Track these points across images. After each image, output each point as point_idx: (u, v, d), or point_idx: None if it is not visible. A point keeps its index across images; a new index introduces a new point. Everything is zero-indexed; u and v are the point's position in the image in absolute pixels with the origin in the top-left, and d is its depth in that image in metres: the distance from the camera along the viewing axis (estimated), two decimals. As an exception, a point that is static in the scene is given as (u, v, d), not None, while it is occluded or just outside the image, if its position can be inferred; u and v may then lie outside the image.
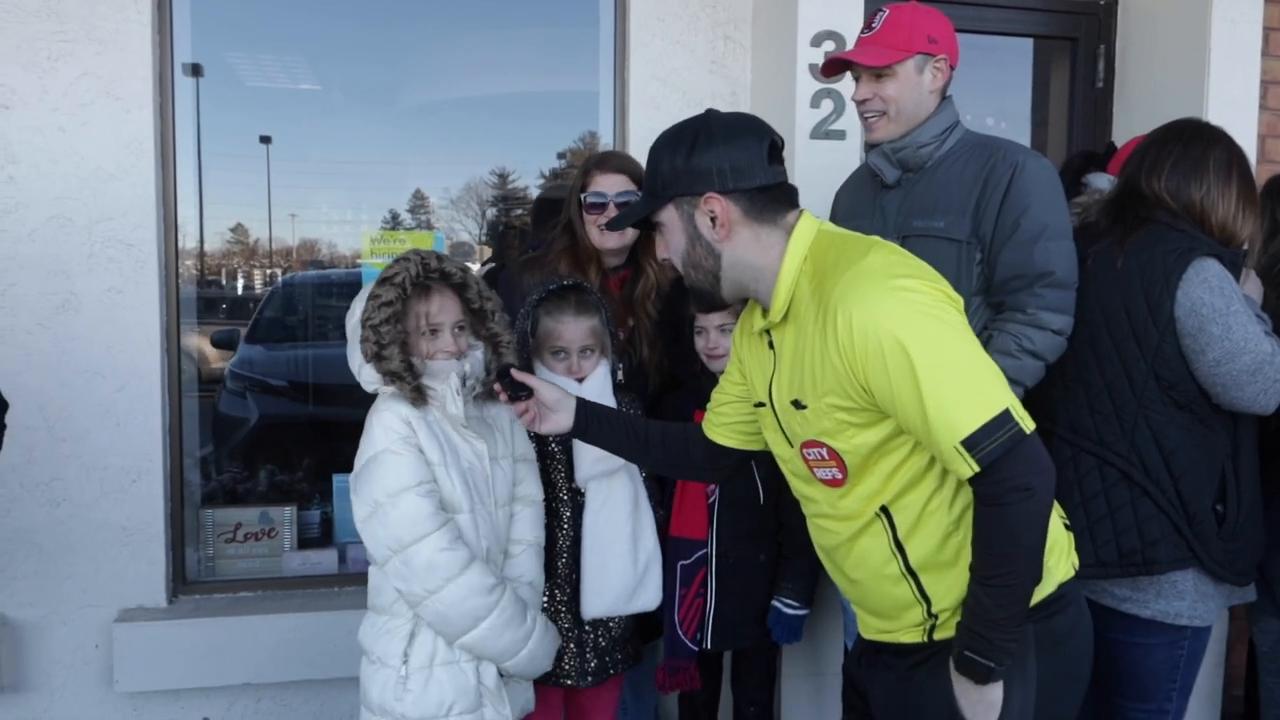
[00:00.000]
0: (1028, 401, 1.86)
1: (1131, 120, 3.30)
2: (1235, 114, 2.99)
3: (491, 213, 3.52)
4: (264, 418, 3.41)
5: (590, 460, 2.16)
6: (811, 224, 1.58)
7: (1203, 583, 2.01)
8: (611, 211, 2.44)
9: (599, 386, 2.24)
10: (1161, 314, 1.92)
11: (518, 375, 1.85)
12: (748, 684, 2.54)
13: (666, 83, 3.09)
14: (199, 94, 3.05)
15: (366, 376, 1.91)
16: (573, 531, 2.20)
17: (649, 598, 2.24)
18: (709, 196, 1.53)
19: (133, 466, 2.82)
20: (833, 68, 2.19)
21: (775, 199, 1.57)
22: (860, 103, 2.14)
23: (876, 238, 1.58)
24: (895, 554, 1.55)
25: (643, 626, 2.38)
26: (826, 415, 1.51)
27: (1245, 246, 2.10)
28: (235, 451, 3.32)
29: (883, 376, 1.41)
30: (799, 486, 1.71)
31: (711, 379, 2.42)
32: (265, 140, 3.26)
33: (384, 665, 1.90)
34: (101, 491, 2.81)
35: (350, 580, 3.07)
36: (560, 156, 3.43)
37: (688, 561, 2.37)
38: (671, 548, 2.34)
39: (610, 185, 2.46)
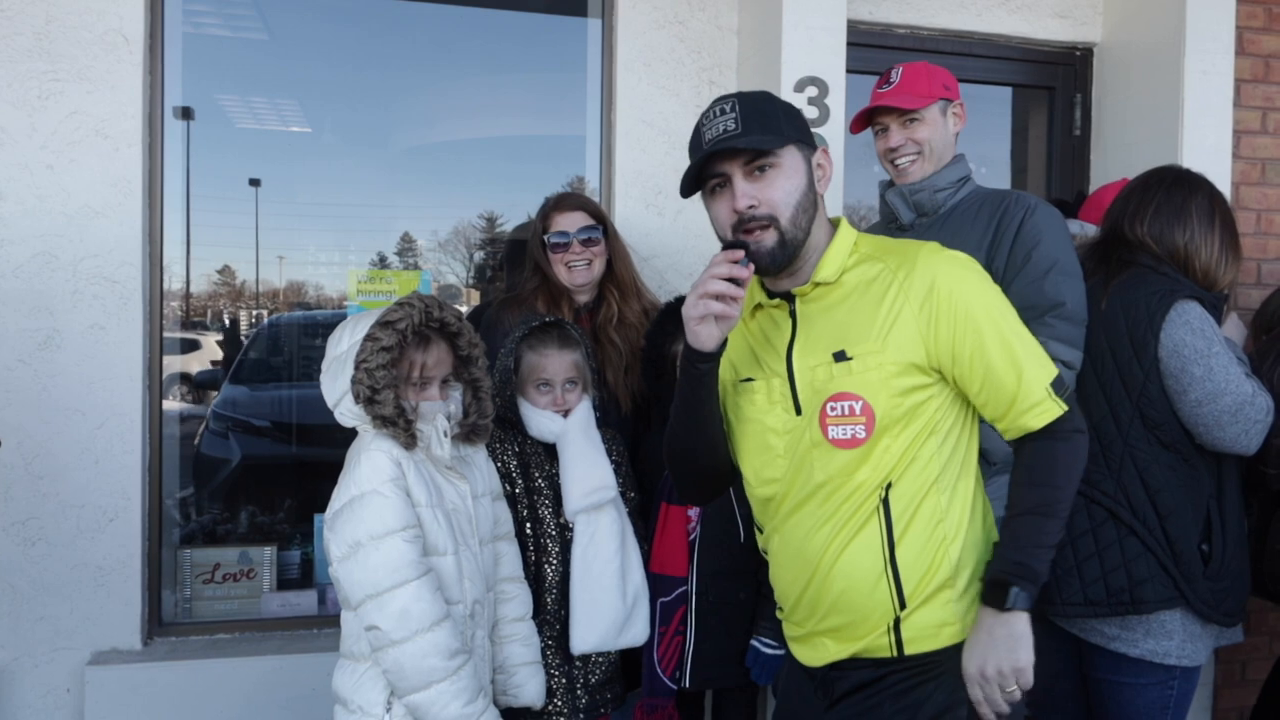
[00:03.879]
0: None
1: (1108, 167, 3.37)
2: (1209, 162, 3.05)
3: (479, 256, 3.53)
4: (246, 458, 3.37)
5: (580, 494, 2.16)
6: (852, 227, 1.70)
7: (1190, 623, 2.01)
8: (575, 248, 2.52)
9: (583, 421, 2.26)
10: (1146, 355, 1.95)
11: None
12: (730, 722, 2.51)
13: (652, 126, 3.13)
14: (189, 136, 3.07)
15: (346, 410, 1.87)
16: (561, 567, 2.18)
17: (638, 632, 2.23)
18: (823, 150, 1.64)
19: (110, 505, 2.78)
20: (861, 122, 2.31)
21: None
22: (893, 150, 2.25)
23: None
24: (885, 554, 1.55)
25: (624, 674, 2.36)
26: (877, 369, 1.55)
27: (1227, 291, 2.13)
28: (216, 492, 3.28)
29: (975, 335, 1.55)
30: (787, 467, 1.62)
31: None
32: (254, 183, 3.27)
33: (365, 715, 1.84)
34: (78, 530, 2.77)
35: (330, 622, 3.02)
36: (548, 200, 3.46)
37: (668, 599, 2.35)
38: (651, 584, 2.33)
39: (570, 223, 2.54)
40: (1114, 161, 3.35)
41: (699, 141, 1.58)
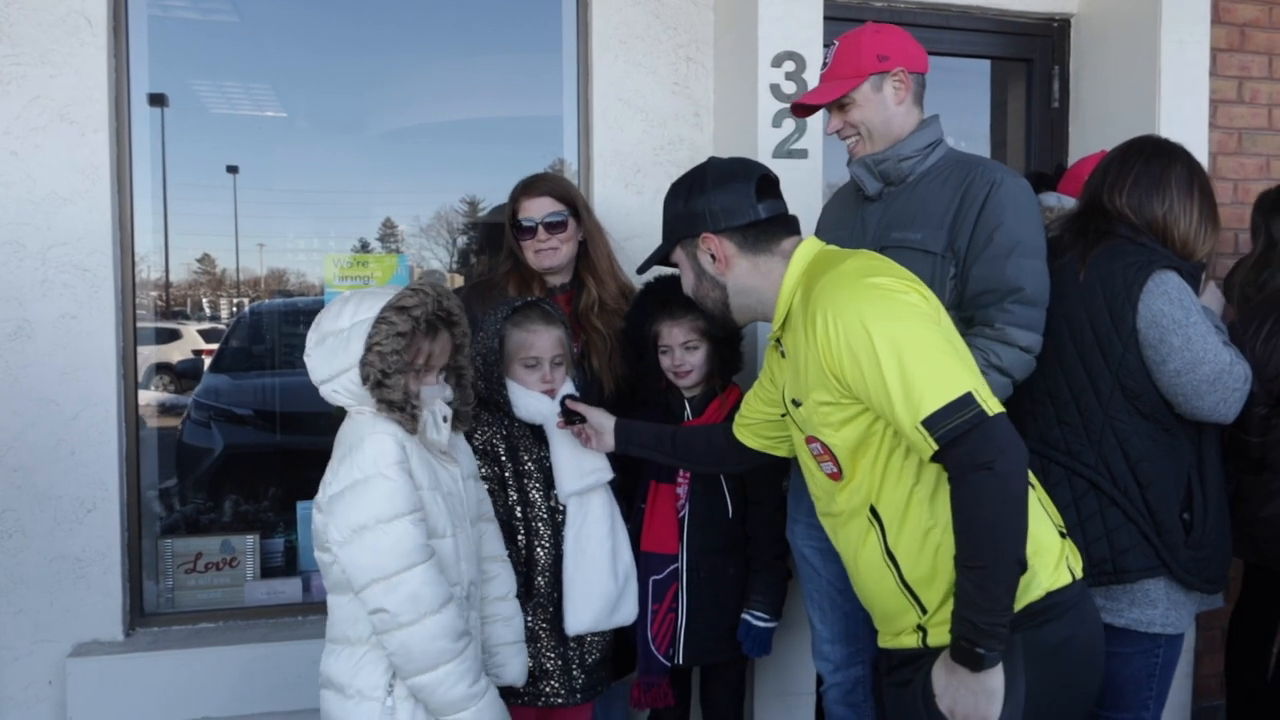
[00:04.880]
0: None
1: (1086, 139, 3.37)
2: (1186, 132, 3.04)
3: (462, 240, 3.51)
4: (229, 447, 3.35)
5: (575, 476, 2.17)
6: (812, 246, 1.77)
7: (1174, 590, 2.02)
8: (541, 234, 2.51)
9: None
10: (1124, 325, 1.95)
11: (573, 405, 2.17)
12: (717, 699, 2.52)
13: (630, 104, 3.11)
14: (164, 124, 3.02)
15: (341, 388, 1.83)
16: (553, 549, 2.18)
17: (628, 611, 2.25)
18: (705, 236, 1.78)
19: (88, 496, 2.75)
20: (802, 110, 2.24)
21: (768, 231, 1.78)
22: (836, 132, 2.19)
23: (862, 250, 1.78)
24: (888, 561, 1.65)
25: (618, 658, 2.37)
26: (815, 411, 1.66)
27: (1205, 260, 2.13)
28: (200, 481, 3.26)
29: (854, 365, 1.55)
30: (813, 487, 1.84)
31: (677, 395, 2.42)
32: (232, 170, 3.23)
33: (365, 698, 1.82)
34: (55, 522, 2.74)
35: (314, 609, 3.00)
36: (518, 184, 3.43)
37: (659, 576, 2.36)
38: (643, 563, 2.34)
39: (537, 209, 2.53)
40: (1092, 133, 3.35)
41: None
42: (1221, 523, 2.05)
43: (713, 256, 1.78)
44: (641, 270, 1.99)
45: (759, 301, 1.79)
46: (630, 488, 2.39)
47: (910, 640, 1.66)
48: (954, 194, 2.05)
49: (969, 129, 3.66)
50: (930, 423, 1.46)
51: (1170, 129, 3.05)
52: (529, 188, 2.58)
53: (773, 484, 2.42)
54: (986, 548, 1.45)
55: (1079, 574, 1.68)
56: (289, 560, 3.18)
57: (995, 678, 1.50)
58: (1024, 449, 1.49)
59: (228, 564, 3.07)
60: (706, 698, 2.55)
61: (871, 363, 1.52)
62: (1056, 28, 3.46)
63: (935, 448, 1.47)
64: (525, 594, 2.15)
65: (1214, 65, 3.25)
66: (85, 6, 2.71)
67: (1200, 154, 3.06)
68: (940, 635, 1.59)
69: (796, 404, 1.73)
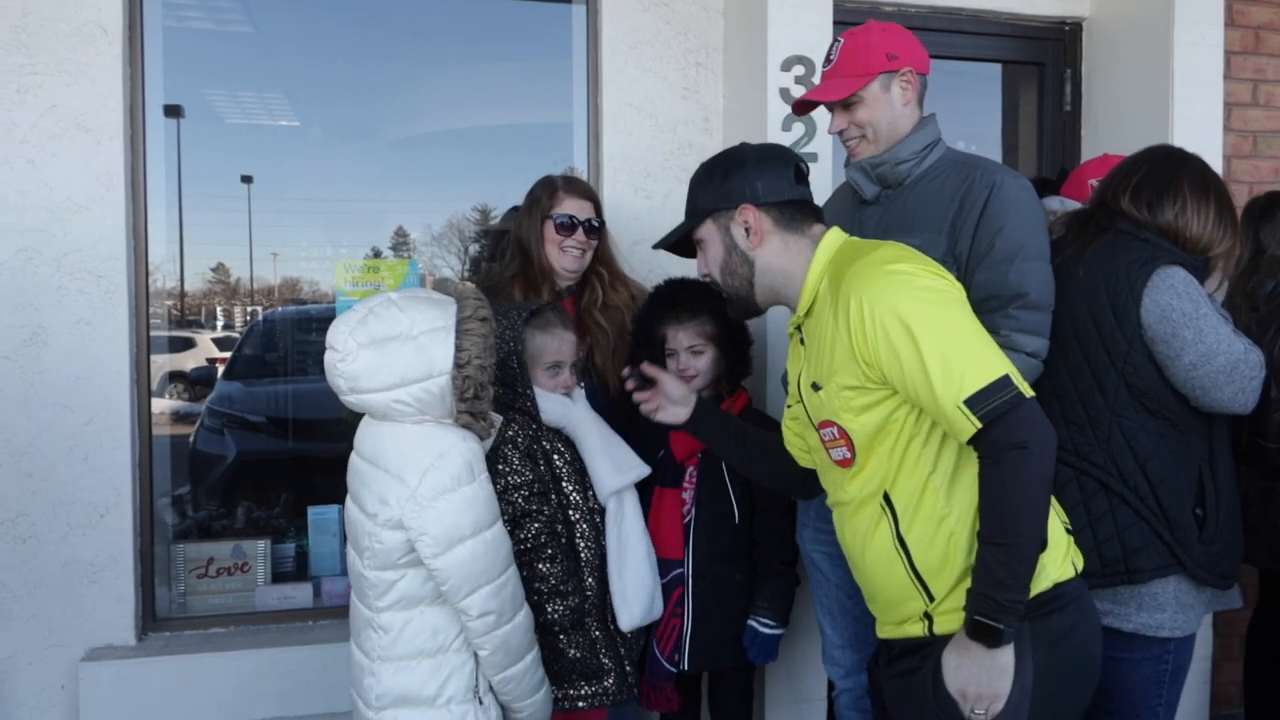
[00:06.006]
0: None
1: (1099, 142, 3.35)
2: (1200, 135, 3.04)
3: (474, 248, 3.52)
4: (242, 454, 3.37)
5: (615, 473, 2.20)
6: (838, 235, 1.78)
7: (1183, 592, 1.99)
8: (580, 235, 2.49)
9: (584, 401, 2.28)
10: (1128, 322, 1.93)
11: (649, 369, 2.08)
12: (725, 705, 2.51)
13: (640, 109, 3.11)
14: (180, 135, 3.06)
15: (408, 396, 1.78)
16: (597, 549, 2.20)
17: (660, 605, 2.29)
18: (744, 208, 1.76)
19: (101, 501, 2.77)
20: (803, 107, 2.20)
21: (802, 212, 1.79)
22: (839, 133, 2.14)
23: (889, 240, 1.77)
24: (898, 549, 1.65)
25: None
26: (837, 395, 1.66)
27: (1219, 257, 2.11)
28: (213, 488, 3.28)
29: (890, 350, 1.56)
30: (822, 477, 1.85)
31: (685, 399, 2.42)
32: (246, 180, 3.26)
33: (459, 702, 1.86)
34: (69, 527, 2.75)
35: (325, 614, 3.01)
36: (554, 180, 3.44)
37: (664, 581, 2.35)
38: None
39: (581, 209, 2.51)
40: (1105, 136, 3.33)
41: None
42: (1234, 517, 2.03)
43: (747, 230, 1.76)
44: (657, 246, 1.94)
45: (784, 283, 1.78)
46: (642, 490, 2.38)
47: (916, 629, 1.67)
48: (953, 197, 2.01)
49: (981, 133, 3.65)
50: (973, 402, 1.50)
51: (1184, 132, 3.05)
52: (573, 186, 2.56)
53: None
54: (1017, 524, 1.50)
55: (1080, 569, 1.72)
56: (300, 565, 3.18)
57: (1008, 655, 1.54)
58: (1054, 432, 1.54)
59: (239, 569, 3.08)
60: (715, 703, 2.54)
61: (909, 347, 1.53)
62: (1068, 31, 3.45)
63: (979, 426, 1.51)
64: (580, 596, 2.15)
65: (1228, 68, 3.23)
66: (101, 17, 2.75)
67: (1215, 157, 3.06)
68: (947, 623, 1.62)
69: (816, 388, 1.72)
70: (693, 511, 2.38)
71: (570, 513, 2.18)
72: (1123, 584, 1.98)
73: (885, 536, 1.66)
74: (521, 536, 2.11)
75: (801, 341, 1.81)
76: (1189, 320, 1.89)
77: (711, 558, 2.36)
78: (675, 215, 3.07)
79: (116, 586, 2.79)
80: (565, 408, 2.21)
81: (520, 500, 2.12)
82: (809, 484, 1.97)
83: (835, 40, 2.13)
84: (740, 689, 2.52)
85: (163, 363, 3.14)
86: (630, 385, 2.08)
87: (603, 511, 2.22)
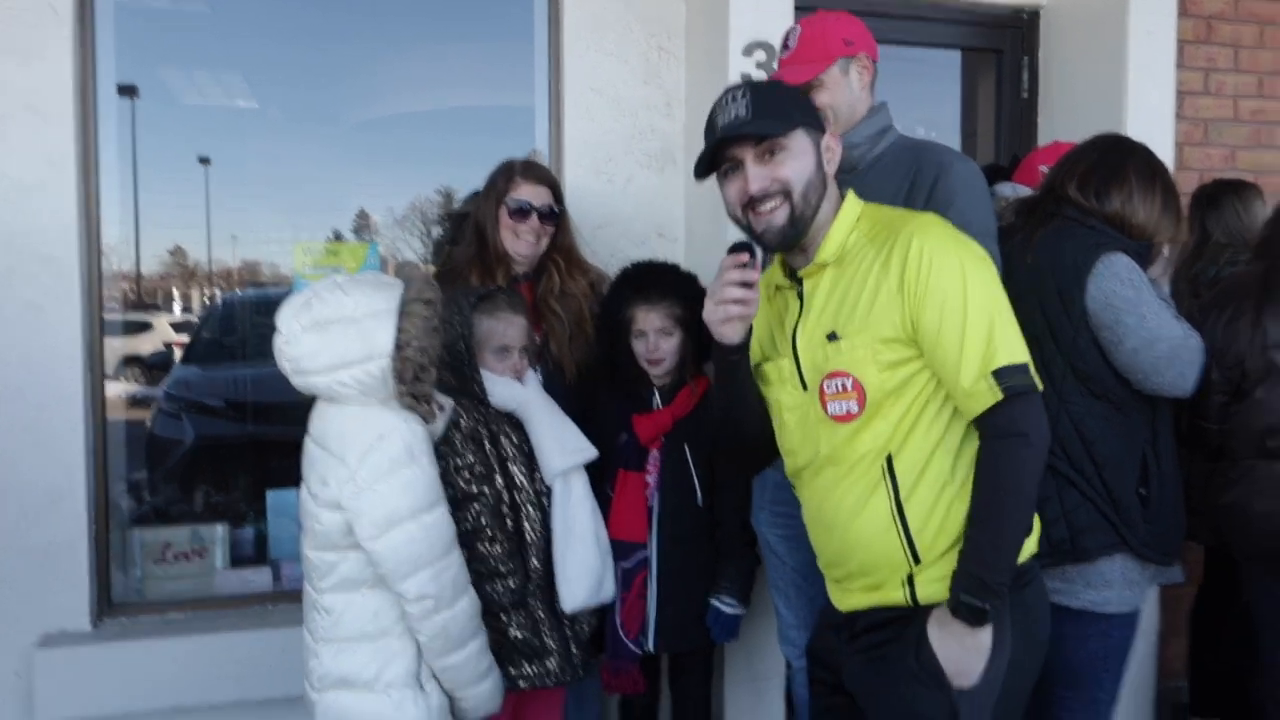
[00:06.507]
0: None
1: (1055, 129, 3.39)
2: (1153, 122, 3.09)
3: (437, 231, 3.50)
4: (200, 438, 3.34)
5: (561, 455, 2.20)
6: (858, 199, 1.74)
7: (1129, 570, 2.05)
8: (534, 221, 2.47)
9: (538, 385, 2.29)
10: (1074, 308, 1.97)
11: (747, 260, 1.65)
12: (686, 683, 2.55)
13: (601, 94, 3.10)
14: (135, 115, 3.00)
15: (349, 378, 1.79)
16: (543, 530, 2.21)
17: (609, 587, 2.30)
18: (832, 133, 1.72)
19: (55, 487, 2.73)
20: None
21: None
22: None
23: None
24: (895, 514, 1.62)
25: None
26: (865, 347, 1.61)
27: (1164, 244, 2.16)
28: (170, 473, 3.25)
29: (937, 304, 1.55)
30: (799, 439, 1.73)
31: (646, 382, 2.43)
32: (204, 161, 3.21)
33: (396, 688, 1.86)
34: (21, 513, 2.71)
35: (284, 598, 3.00)
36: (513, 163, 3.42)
37: (628, 564, 2.37)
38: (612, 550, 2.34)
39: (537, 195, 2.50)
40: (1061, 123, 3.37)
41: (713, 127, 1.67)
42: (1176, 495, 2.09)
43: (829, 152, 1.70)
44: (724, 133, 1.63)
45: (823, 221, 1.68)
46: (596, 474, 2.40)
47: (895, 594, 1.64)
48: (903, 179, 2.05)
49: (940, 119, 3.69)
50: (1001, 374, 1.53)
51: (1137, 119, 3.09)
52: (530, 171, 2.54)
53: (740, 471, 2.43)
54: (1008, 508, 1.54)
55: (1035, 546, 1.74)
56: (259, 549, 3.16)
57: (986, 634, 1.56)
58: (1049, 432, 1.59)
59: (197, 554, 3.05)
60: (676, 682, 2.57)
61: (957, 301, 1.54)
62: (1026, 19, 3.48)
63: (1000, 398, 1.53)
64: (523, 576, 2.17)
65: (1181, 56, 3.28)
66: (51, -5, 2.69)
67: (1167, 144, 3.12)
68: (932, 591, 1.61)
69: (834, 338, 1.64)
70: (656, 495, 2.40)
71: (515, 494, 2.19)
72: (1070, 563, 2.03)
73: (882, 505, 1.62)
74: (462, 518, 2.11)
75: (800, 295, 1.71)
76: (1132, 306, 1.94)
77: (675, 540, 2.38)
78: (637, 199, 3.13)
79: (72, 572, 2.76)
80: (515, 390, 2.22)
81: (461, 482, 2.14)
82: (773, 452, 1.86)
83: (792, 28, 2.17)
84: (701, 668, 2.56)
85: (119, 346, 3.09)
86: (744, 258, 1.62)
87: (549, 493, 2.23)
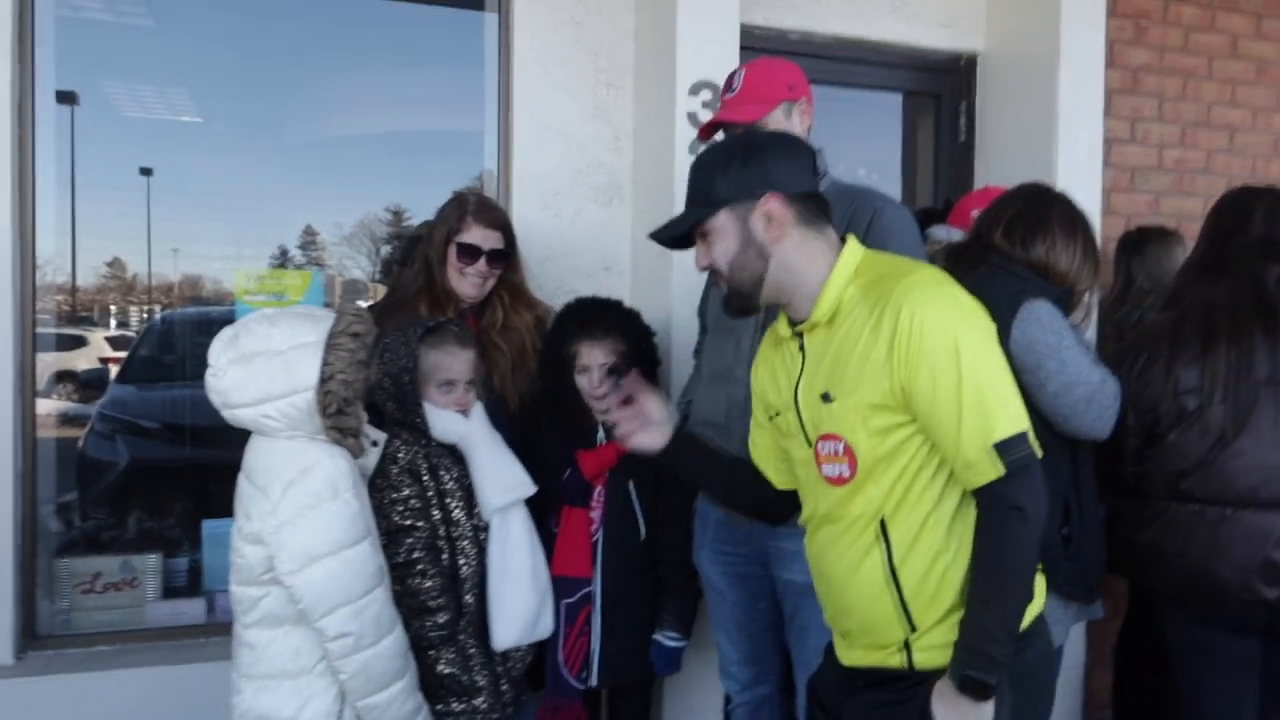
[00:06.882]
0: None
1: (991, 172, 3.51)
2: (1082, 169, 3.23)
3: (385, 250, 3.48)
4: (134, 461, 3.26)
5: (499, 491, 2.20)
6: (859, 245, 1.70)
7: (1053, 608, 2.09)
8: (482, 264, 2.50)
9: (484, 419, 2.29)
10: None
11: (633, 384, 1.90)
12: (625, 716, 2.56)
13: (550, 128, 3.13)
14: (74, 123, 2.95)
15: (276, 412, 1.79)
16: (478, 566, 2.21)
17: (546, 624, 2.29)
18: (768, 197, 1.62)
19: (-22, 512, 2.66)
20: (708, 130, 2.26)
21: (819, 210, 1.67)
22: None
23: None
24: (889, 580, 1.60)
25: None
26: (853, 410, 1.58)
27: (1085, 290, 2.25)
28: (102, 497, 3.17)
29: (929, 373, 1.51)
30: (806, 493, 1.75)
31: (590, 418, 2.45)
32: (146, 172, 3.16)
33: None
34: (-59, 541, 2.63)
35: (218, 630, 2.93)
36: (458, 191, 3.43)
37: (571, 600, 2.38)
38: (555, 586, 2.35)
39: (487, 239, 2.51)
40: (995, 167, 3.49)
41: None
42: (1097, 534, 2.17)
43: (768, 220, 1.62)
44: (655, 237, 1.76)
45: (796, 282, 1.65)
46: (540, 510, 2.41)
47: (894, 659, 1.63)
48: (839, 222, 2.07)
49: (882, 159, 3.79)
50: (1003, 447, 1.49)
51: (1068, 165, 3.22)
52: (482, 214, 2.53)
53: (683, 504, 2.46)
54: (1009, 582, 1.51)
55: (1043, 603, 1.72)
56: (193, 580, 3.10)
57: (990, 706, 1.53)
58: (1047, 499, 1.55)
59: (128, 584, 2.99)
60: (615, 715, 2.58)
61: (950, 377, 1.50)
62: (963, 65, 3.60)
63: (1003, 472, 1.49)
64: (455, 612, 2.16)
65: (1109, 106, 3.42)
66: (-13, 8, 2.64)
67: (1094, 190, 3.25)
68: (928, 658, 1.59)
69: (827, 399, 1.62)
70: (601, 530, 2.41)
71: (451, 529, 2.19)
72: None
73: (876, 567, 1.61)
74: (395, 551, 2.12)
75: (801, 348, 1.70)
76: (1053, 352, 2.02)
77: (619, 575, 2.40)
78: (585, 233, 3.16)
79: (-7, 602, 2.69)
80: (457, 424, 2.22)
81: (396, 516, 2.14)
82: (782, 506, 1.88)
83: (737, 70, 2.23)
84: (640, 701, 2.57)
85: (51, 361, 3.03)
86: (615, 401, 1.91)
87: (488, 529, 2.23)
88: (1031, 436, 1.53)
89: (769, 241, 1.63)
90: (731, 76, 2.23)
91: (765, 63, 2.23)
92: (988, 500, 1.52)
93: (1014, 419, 1.52)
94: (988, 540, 1.53)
